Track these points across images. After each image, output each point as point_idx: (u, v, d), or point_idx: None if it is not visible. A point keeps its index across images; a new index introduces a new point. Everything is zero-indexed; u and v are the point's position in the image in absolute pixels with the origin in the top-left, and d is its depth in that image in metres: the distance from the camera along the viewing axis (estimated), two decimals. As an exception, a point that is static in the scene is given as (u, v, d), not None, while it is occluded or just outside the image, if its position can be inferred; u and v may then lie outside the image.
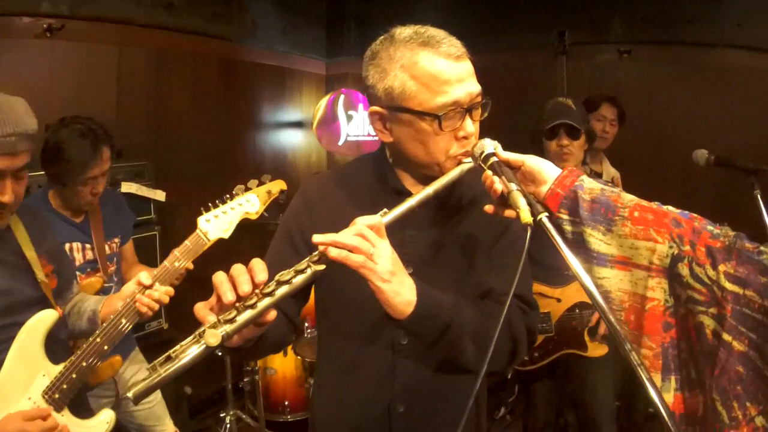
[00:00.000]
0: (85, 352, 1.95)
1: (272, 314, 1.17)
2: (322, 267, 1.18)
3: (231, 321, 1.10)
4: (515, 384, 4.50)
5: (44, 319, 1.89)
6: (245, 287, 1.12)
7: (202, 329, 1.10)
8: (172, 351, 1.09)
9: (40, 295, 1.92)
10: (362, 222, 1.23)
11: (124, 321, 2.01)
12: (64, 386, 1.90)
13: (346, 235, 1.20)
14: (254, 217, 2.58)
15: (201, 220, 2.28)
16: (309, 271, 1.18)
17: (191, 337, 1.10)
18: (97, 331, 1.98)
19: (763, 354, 1.02)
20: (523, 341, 1.50)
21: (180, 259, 2.19)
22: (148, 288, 2.03)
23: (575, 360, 2.89)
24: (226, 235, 2.29)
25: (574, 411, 3.80)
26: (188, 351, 1.08)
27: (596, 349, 2.83)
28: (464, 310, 1.37)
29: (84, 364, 1.93)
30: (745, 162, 2.52)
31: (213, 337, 1.07)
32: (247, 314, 1.12)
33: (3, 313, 1.81)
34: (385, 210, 1.28)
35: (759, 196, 2.45)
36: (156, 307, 2.04)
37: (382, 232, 1.25)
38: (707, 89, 4.63)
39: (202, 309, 1.16)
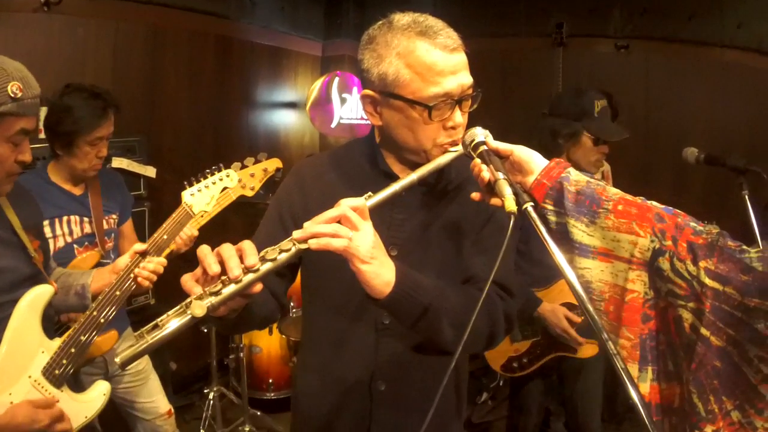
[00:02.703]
0: (83, 325, 1.95)
1: (258, 286, 1.19)
2: (305, 246, 1.20)
3: (216, 294, 1.14)
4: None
5: (41, 295, 1.87)
6: (236, 272, 1.15)
7: (188, 300, 1.14)
8: (159, 320, 1.13)
9: (35, 271, 1.92)
10: (346, 204, 1.25)
11: (118, 293, 2.03)
12: (64, 361, 1.89)
13: (323, 225, 1.22)
14: (250, 194, 2.61)
15: (186, 194, 2.34)
16: (293, 250, 1.20)
17: (178, 307, 1.14)
18: (93, 304, 1.99)
19: (740, 350, 1.04)
20: (501, 327, 1.52)
21: (168, 231, 2.25)
22: (143, 254, 2.08)
23: (566, 359, 2.87)
24: (209, 208, 2.38)
25: (555, 399, 3.84)
26: (174, 320, 1.12)
27: (586, 350, 2.79)
28: (443, 293, 1.39)
29: (82, 338, 1.93)
30: (735, 161, 2.52)
31: (199, 308, 1.11)
32: (232, 288, 1.15)
33: (4, 290, 1.81)
34: (370, 193, 1.31)
35: (747, 197, 2.45)
36: (154, 278, 2.08)
37: (365, 215, 1.27)
38: (703, 87, 4.65)
39: (188, 281, 1.18)
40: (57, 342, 1.90)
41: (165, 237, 2.24)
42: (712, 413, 1.07)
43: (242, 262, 1.17)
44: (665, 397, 1.16)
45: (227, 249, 1.18)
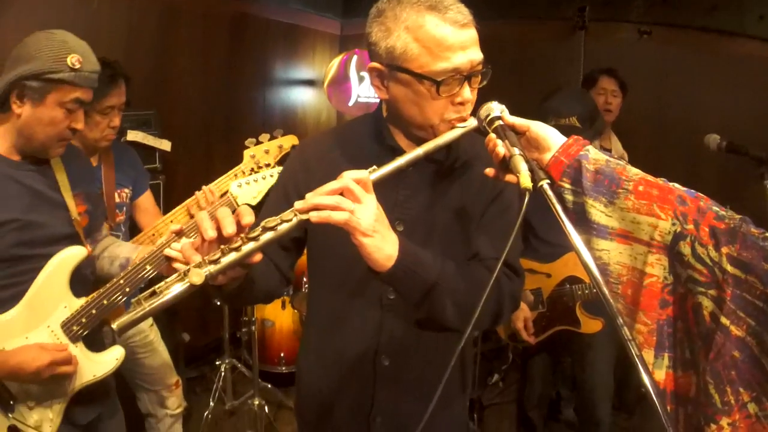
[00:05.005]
0: (108, 290, 2.01)
1: (258, 256, 1.17)
2: (307, 217, 1.18)
3: (215, 262, 1.12)
4: (509, 352, 4.54)
5: (74, 255, 1.97)
6: (230, 228, 1.14)
7: (187, 268, 1.12)
8: (157, 287, 1.11)
9: (72, 231, 2.01)
10: (349, 176, 1.23)
11: (148, 267, 2.07)
12: (83, 320, 1.97)
13: (325, 197, 1.20)
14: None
15: (233, 185, 2.43)
16: (294, 220, 1.18)
17: (176, 274, 1.12)
18: (122, 273, 2.05)
19: (760, 341, 1.01)
20: (507, 306, 1.52)
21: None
22: (178, 234, 2.09)
23: (574, 336, 2.90)
24: (254, 201, 2.44)
25: (567, 384, 3.84)
26: (172, 288, 1.10)
27: (590, 325, 2.82)
28: (446, 269, 1.38)
29: (105, 302, 2.00)
30: (757, 151, 2.49)
31: (197, 276, 1.09)
32: (232, 256, 1.13)
33: (36, 243, 1.91)
34: (374, 167, 1.28)
35: (768, 186, 2.43)
36: (182, 257, 2.07)
37: (368, 188, 1.24)
38: (723, 77, 4.58)
39: (188, 249, 1.18)
40: (81, 301, 1.99)
41: None
42: (728, 405, 1.03)
43: (239, 223, 1.15)
44: (680, 385, 1.13)
45: (223, 211, 1.17)
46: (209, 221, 1.15)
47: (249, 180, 2.43)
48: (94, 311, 1.98)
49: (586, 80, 3.72)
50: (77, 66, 1.81)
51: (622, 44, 4.77)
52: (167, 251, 2.03)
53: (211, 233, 1.14)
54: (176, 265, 1.93)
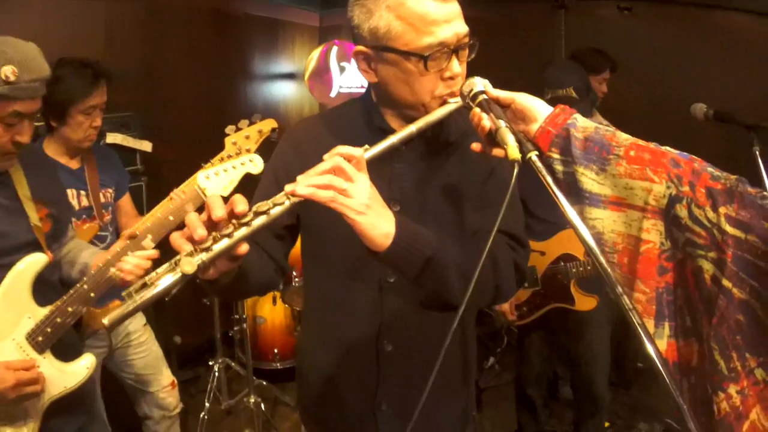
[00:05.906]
0: (71, 297, 1.97)
1: (245, 247, 1.13)
2: (297, 199, 1.14)
3: (207, 249, 1.08)
4: (504, 334, 4.53)
5: (33, 263, 1.92)
6: (218, 212, 1.08)
7: (178, 257, 1.07)
8: (147, 278, 1.06)
9: (32, 238, 1.97)
10: (342, 151, 1.20)
11: (111, 270, 2.01)
12: (49, 330, 1.93)
13: (316, 177, 1.17)
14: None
15: (200, 176, 2.21)
16: (287, 203, 1.14)
17: (167, 264, 1.07)
18: (85, 278, 2.00)
19: (764, 303, 0.97)
20: (510, 277, 1.49)
21: (174, 213, 2.13)
22: (132, 238, 2.03)
23: (570, 313, 2.91)
24: (225, 193, 2.21)
25: (564, 363, 3.84)
26: (163, 278, 1.05)
27: (584, 303, 2.83)
28: (447, 244, 1.34)
29: (69, 309, 1.96)
30: (745, 118, 2.47)
31: (189, 265, 1.04)
32: (224, 243, 1.09)
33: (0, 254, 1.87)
34: (367, 146, 1.25)
35: (758, 153, 2.40)
36: (140, 272, 2.00)
37: (361, 166, 1.22)
38: (708, 50, 4.55)
39: (178, 238, 1.11)
40: (45, 310, 1.95)
41: (171, 218, 2.12)
42: (734, 371, 1.00)
43: (233, 211, 1.10)
44: (683, 354, 1.10)
45: (213, 197, 1.11)
46: (198, 221, 1.09)
47: (218, 170, 2.22)
48: (58, 319, 1.94)
49: (591, 64, 3.61)
50: (11, 78, 1.72)
51: (604, 22, 4.75)
52: (123, 274, 1.98)
53: (201, 232, 1.07)
54: (129, 278, 1.94)
